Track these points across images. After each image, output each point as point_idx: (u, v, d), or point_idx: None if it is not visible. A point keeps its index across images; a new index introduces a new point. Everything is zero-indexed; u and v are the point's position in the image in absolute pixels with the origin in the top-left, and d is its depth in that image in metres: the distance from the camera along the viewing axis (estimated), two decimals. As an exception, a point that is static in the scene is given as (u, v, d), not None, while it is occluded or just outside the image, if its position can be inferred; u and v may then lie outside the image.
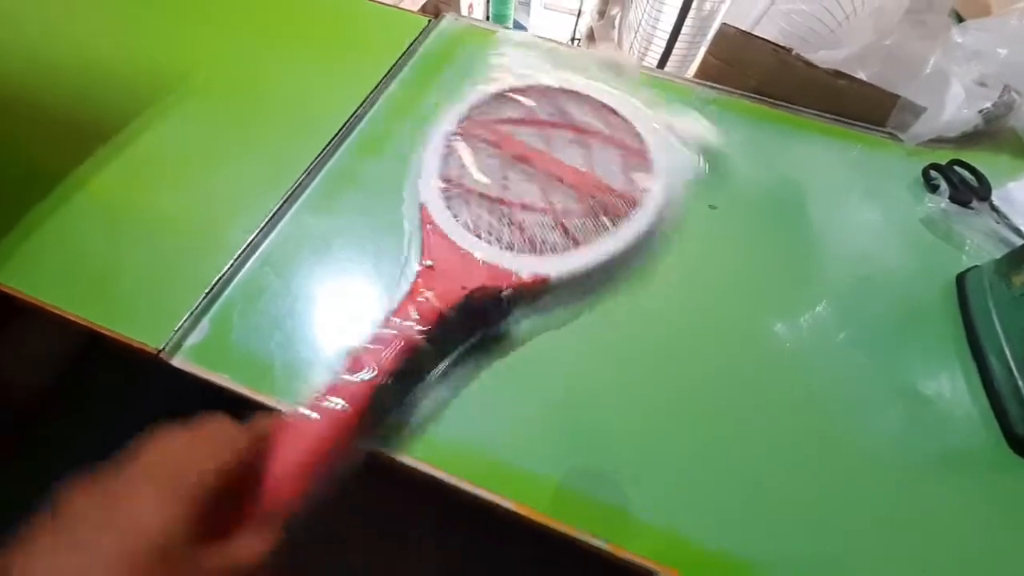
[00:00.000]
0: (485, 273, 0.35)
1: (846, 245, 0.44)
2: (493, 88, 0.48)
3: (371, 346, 0.30)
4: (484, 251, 0.37)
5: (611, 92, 0.48)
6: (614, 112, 0.47)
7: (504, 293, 0.35)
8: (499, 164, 0.43)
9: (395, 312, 0.33)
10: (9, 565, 0.18)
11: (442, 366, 0.35)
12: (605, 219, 0.40)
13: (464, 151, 0.43)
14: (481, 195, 0.41)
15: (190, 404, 0.26)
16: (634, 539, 0.31)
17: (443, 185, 0.41)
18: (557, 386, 0.36)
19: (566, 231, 0.39)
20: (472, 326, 0.36)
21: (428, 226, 0.38)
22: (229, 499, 0.22)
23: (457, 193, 0.41)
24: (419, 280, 0.35)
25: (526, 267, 0.36)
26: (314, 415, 0.27)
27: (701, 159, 0.46)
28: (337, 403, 0.27)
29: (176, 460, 0.22)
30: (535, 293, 0.37)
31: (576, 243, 0.38)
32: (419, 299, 0.33)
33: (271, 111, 0.50)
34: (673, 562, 0.30)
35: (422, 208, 0.40)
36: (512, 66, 0.50)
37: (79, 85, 0.50)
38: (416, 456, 0.32)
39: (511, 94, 0.48)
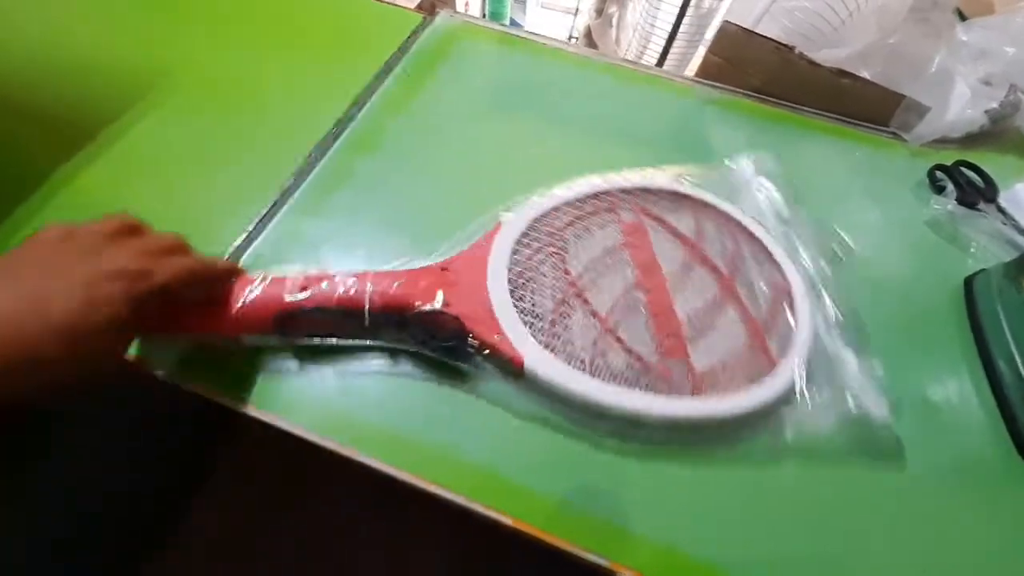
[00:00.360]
0: (485, 324, 0.33)
1: (851, 248, 0.43)
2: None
3: (328, 279, 0.32)
4: (507, 316, 0.33)
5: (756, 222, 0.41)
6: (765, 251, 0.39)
7: (470, 342, 0.32)
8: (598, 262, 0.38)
9: (373, 275, 0.33)
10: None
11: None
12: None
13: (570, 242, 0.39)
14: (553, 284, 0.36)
15: (160, 406, 0.27)
16: (633, 554, 0.29)
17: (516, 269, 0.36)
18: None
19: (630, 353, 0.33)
20: (425, 339, 0.33)
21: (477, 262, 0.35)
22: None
23: (530, 279, 0.36)
24: (419, 273, 0.34)
25: (526, 353, 0.32)
26: (256, 285, 0.31)
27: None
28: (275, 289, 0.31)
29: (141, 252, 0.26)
30: (506, 365, 0.33)
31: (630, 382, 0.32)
32: (397, 283, 0.33)
33: (262, 108, 0.48)
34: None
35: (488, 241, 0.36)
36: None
37: (64, 81, 0.49)
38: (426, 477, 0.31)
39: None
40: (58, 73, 0.49)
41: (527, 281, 0.36)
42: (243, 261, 0.38)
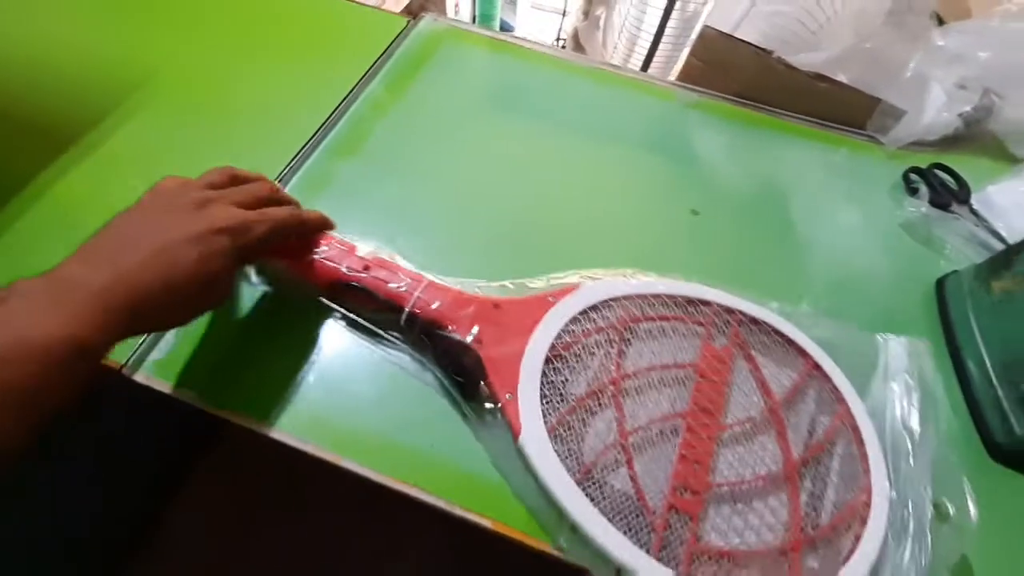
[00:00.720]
0: (505, 378, 0.31)
1: (827, 249, 0.44)
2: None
3: (389, 268, 0.35)
4: (529, 382, 0.31)
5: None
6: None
7: (482, 387, 0.32)
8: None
9: (428, 282, 0.34)
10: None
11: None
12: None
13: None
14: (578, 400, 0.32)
15: (151, 415, 0.27)
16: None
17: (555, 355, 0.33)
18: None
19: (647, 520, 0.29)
20: (444, 363, 0.33)
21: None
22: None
23: (576, 355, 0.33)
24: (470, 299, 0.34)
25: (526, 428, 0.30)
26: (330, 247, 0.35)
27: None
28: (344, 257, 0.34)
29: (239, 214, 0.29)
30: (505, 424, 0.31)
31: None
32: (443, 300, 0.34)
33: (245, 112, 0.48)
34: None
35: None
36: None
37: (42, 87, 0.49)
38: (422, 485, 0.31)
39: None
40: (39, 78, 0.49)
41: (572, 356, 0.33)
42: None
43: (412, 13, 0.61)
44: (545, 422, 0.30)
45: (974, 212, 0.45)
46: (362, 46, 0.54)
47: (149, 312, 0.25)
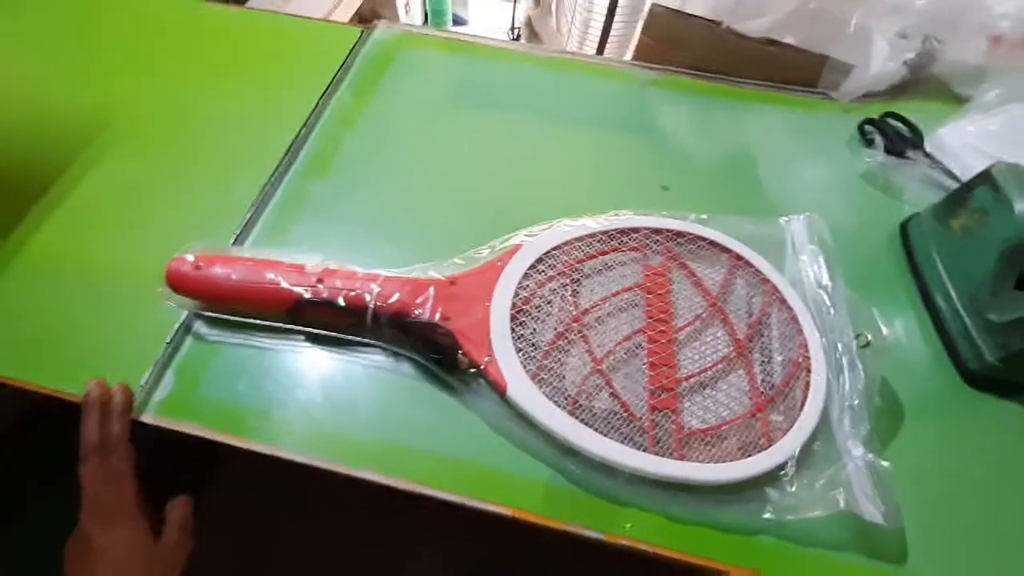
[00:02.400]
0: (478, 344, 0.34)
1: (794, 206, 0.45)
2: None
3: (343, 277, 0.35)
4: (501, 341, 0.34)
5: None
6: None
7: (460, 358, 0.34)
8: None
9: (383, 278, 0.36)
10: None
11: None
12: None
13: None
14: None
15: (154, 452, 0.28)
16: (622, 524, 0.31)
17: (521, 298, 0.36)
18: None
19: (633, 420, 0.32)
20: (418, 347, 0.35)
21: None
22: None
23: (536, 306, 0.36)
24: (426, 283, 0.36)
25: (511, 381, 0.33)
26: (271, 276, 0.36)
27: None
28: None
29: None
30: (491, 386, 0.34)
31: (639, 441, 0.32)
32: (401, 291, 0.35)
33: (210, 142, 0.48)
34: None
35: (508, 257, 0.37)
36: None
37: (6, 142, 0.48)
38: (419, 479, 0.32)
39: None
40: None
41: (533, 308, 0.36)
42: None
43: (363, 19, 0.61)
44: (526, 371, 0.33)
45: (928, 156, 0.47)
46: (320, 61, 0.55)
47: None
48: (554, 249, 0.39)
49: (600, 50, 1.07)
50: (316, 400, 0.35)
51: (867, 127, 0.50)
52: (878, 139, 0.48)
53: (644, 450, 0.31)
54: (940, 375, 0.37)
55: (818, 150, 0.50)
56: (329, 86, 0.52)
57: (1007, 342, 0.35)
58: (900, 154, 0.48)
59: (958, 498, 0.33)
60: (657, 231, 0.40)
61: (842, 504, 0.30)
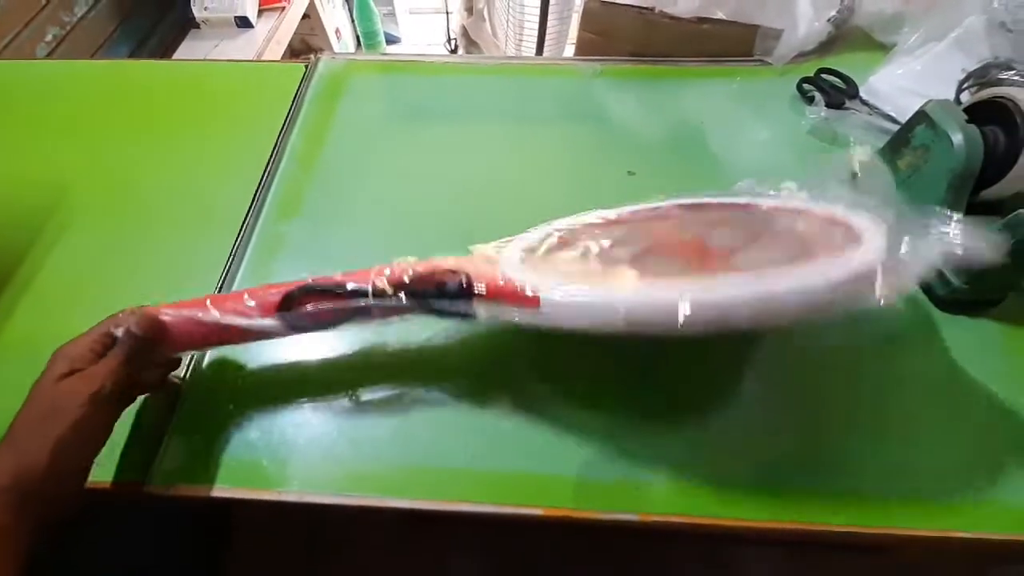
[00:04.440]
0: (491, 276, 0.31)
1: (750, 171, 0.47)
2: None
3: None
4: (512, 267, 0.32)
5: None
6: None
7: (477, 289, 0.31)
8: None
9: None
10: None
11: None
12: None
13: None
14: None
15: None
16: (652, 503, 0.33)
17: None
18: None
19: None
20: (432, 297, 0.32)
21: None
22: None
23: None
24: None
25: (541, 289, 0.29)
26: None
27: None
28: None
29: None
30: (522, 304, 0.30)
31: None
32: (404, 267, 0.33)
33: (172, 203, 0.48)
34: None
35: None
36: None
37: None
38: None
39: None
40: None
41: (558, 248, 0.35)
42: (205, 362, 0.38)
43: (296, 53, 0.61)
44: (553, 281, 0.29)
45: (866, 103, 0.50)
46: (269, 103, 0.54)
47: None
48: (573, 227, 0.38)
49: (539, 49, 1.09)
50: (332, 437, 0.35)
51: (805, 85, 0.53)
52: (817, 95, 0.51)
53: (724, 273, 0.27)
54: (915, 306, 0.40)
55: (764, 114, 0.52)
56: (283, 126, 0.52)
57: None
58: (840, 106, 0.50)
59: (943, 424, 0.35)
60: (669, 207, 0.40)
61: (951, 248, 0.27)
